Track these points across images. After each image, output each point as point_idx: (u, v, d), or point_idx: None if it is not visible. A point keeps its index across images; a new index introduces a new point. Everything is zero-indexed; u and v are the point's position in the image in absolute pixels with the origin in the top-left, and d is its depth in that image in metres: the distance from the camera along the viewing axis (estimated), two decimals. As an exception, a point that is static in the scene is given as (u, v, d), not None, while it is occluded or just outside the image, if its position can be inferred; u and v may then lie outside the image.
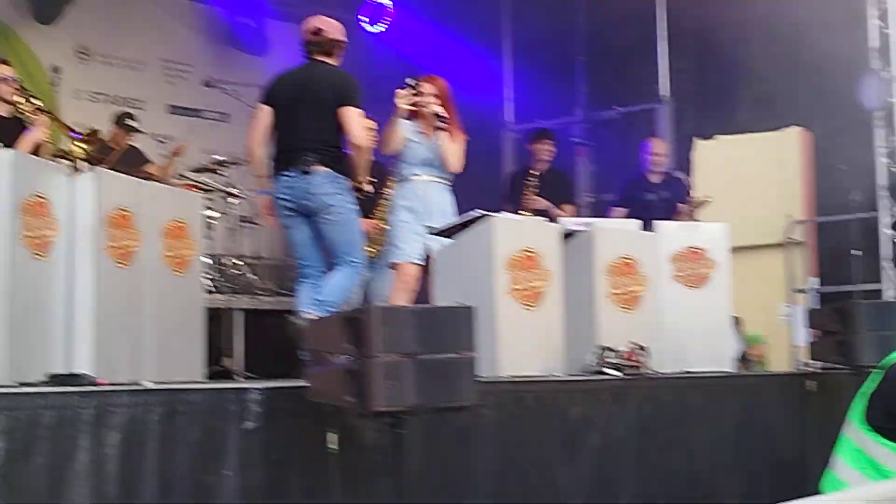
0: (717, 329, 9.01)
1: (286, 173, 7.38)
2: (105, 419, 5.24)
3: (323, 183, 7.28)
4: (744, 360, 10.28)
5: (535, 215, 9.66)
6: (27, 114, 7.69)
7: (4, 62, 8.05)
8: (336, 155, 7.40)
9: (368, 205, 8.92)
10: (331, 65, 7.59)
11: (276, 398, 5.92)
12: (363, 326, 5.49)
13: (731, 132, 11.49)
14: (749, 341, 10.64)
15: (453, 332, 5.87)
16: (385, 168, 9.15)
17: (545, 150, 10.57)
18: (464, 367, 5.87)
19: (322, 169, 7.26)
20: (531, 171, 10.47)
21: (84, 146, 7.89)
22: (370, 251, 8.89)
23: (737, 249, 9.31)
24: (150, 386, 5.84)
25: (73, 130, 8.01)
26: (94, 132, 8.17)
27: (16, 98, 7.67)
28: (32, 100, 7.77)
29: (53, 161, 7.75)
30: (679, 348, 8.69)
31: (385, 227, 8.89)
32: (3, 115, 7.69)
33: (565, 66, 12.73)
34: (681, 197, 10.49)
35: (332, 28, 7.51)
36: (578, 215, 10.93)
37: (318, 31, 7.46)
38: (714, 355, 8.86)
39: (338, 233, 7.41)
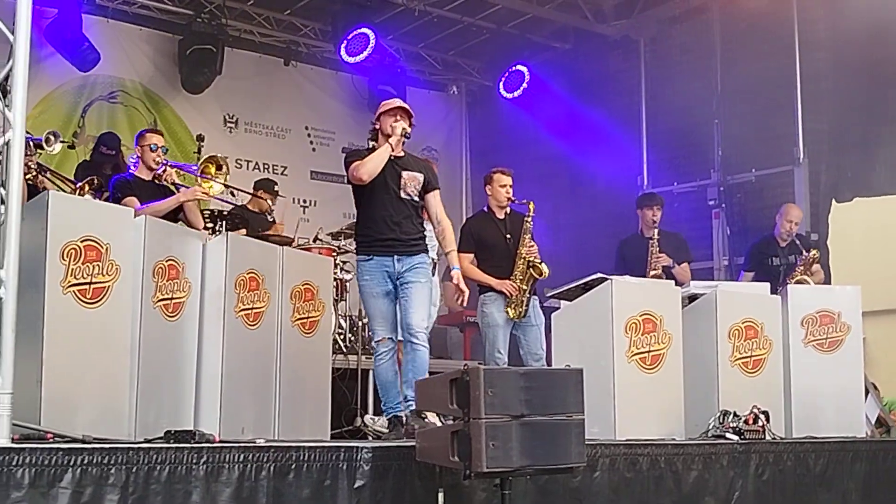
0: (851, 394, 8.86)
1: None
2: (217, 474, 5.45)
3: None
4: (881, 425, 10.03)
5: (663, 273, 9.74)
6: (158, 175, 8.12)
7: (157, 132, 8.52)
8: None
9: (508, 261, 9.10)
10: None
11: (385, 457, 6.06)
12: (468, 388, 5.61)
13: (869, 194, 11.33)
14: (889, 406, 10.40)
15: (562, 394, 5.96)
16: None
17: (653, 217, 10.57)
18: (572, 429, 5.95)
19: None
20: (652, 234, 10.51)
21: (215, 178, 8.30)
22: (511, 312, 9.05)
23: (874, 313, 9.17)
24: (262, 443, 6.04)
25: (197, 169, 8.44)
26: (210, 158, 8.54)
27: (155, 164, 8.09)
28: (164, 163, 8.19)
29: (205, 221, 8.19)
30: (809, 413, 8.61)
31: (524, 287, 9.04)
32: (145, 178, 8.09)
33: (701, 129, 12.69)
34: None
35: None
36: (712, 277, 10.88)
37: None
38: (847, 421, 8.72)
39: None
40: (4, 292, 5.20)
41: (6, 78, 5.46)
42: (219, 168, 8.48)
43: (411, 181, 7.70)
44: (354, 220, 8.03)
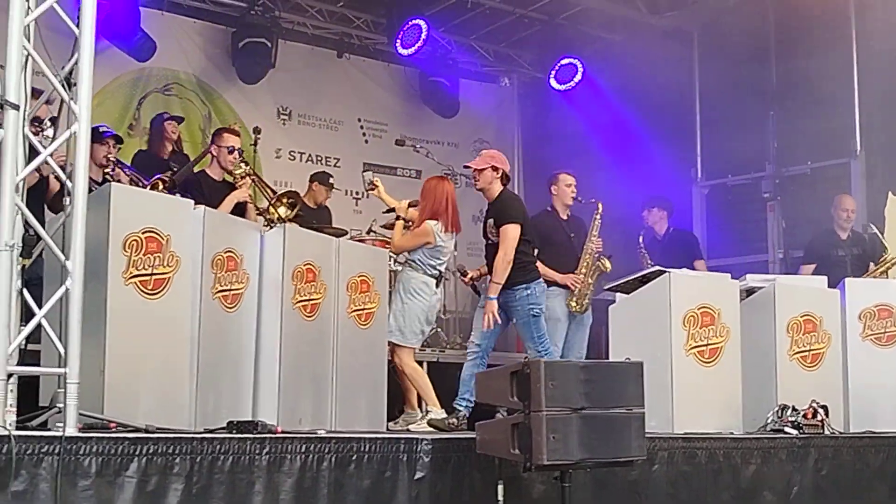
0: (909, 389, 8.77)
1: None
2: (279, 465, 5.49)
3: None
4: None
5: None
6: (236, 178, 8.17)
7: (235, 133, 8.59)
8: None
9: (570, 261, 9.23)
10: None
11: (445, 449, 6.08)
12: (529, 380, 5.62)
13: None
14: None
15: (622, 387, 5.97)
16: (586, 224, 9.37)
17: (650, 217, 10.61)
18: (632, 423, 5.95)
19: None
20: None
21: (285, 209, 8.35)
22: (574, 305, 9.12)
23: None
24: (323, 434, 6.07)
25: (272, 191, 8.48)
26: (292, 194, 8.61)
27: (232, 167, 8.16)
28: (244, 166, 8.26)
29: (258, 218, 8.24)
30: (866, 408, 8.55)
31: (589, 280, 9.19)
32: (215, 178, 8.15)
33: (755, 120, 12.60)
34: (872, 253, 10.25)
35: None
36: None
37: None
38: (905, 415, 8.64)
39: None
40: (71, 283, 5.25)
41: (70, 71, 5.52)
42: (291, 207, 8.50)
43: (489, 227, 8.42)
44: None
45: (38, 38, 5.47)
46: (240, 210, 8.08)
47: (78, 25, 5.47)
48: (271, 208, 8.39)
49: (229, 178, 8.27)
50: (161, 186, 8.03)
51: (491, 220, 8.33)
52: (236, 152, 8.20)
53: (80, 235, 5.31)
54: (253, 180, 8.34)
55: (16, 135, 5.24)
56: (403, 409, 8.94)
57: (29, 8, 5.36)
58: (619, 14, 13.61)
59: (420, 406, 8.86)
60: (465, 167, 8.44)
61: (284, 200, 8.46)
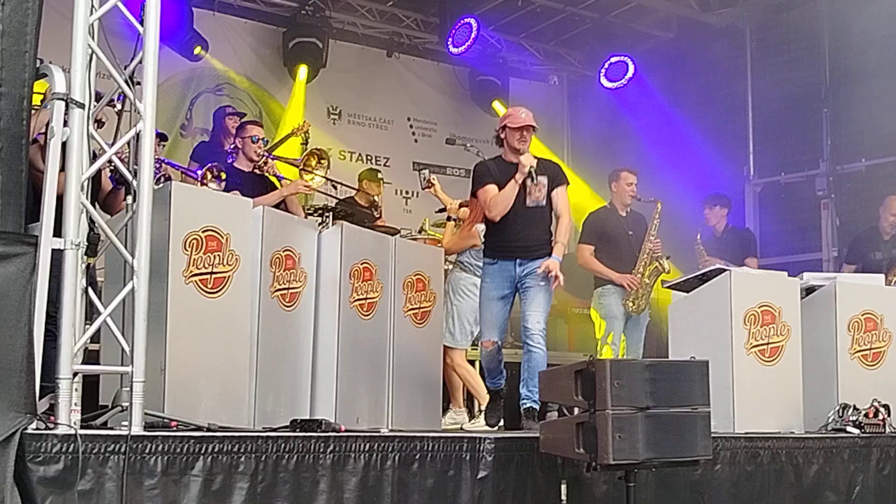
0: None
1: None
2: (343, 463, 5.48)
3: None
4: None
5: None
6: (266, 170, 8.15)
7: (258, 124, 8.55)
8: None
9: (629, 259, 9.16)
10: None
11: (508, 448, 6.05)
12: (594, 379, 5.57)
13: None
14: None
15: (687, 386, 5.90)
16: (647, 221, 9.30)
17: (712, 216, 10.51)
18: (697, 422, 5.89)
19: None
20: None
21: (322, 170, 8.35)
22: (631, 305, 9.06)
23: None
24: (387, 433, 6.05)
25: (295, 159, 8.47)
26: (313, 151, 8.58)
27: (256, 157, 8.11)
28: (260, 151, 8.18)
29: (307, 215, 8.21)
30: (927, 407, 8.42)
31: (646, 281, 9.11)
32: (244, 169, 8.11)
33: (809, 118, 12.49)
34: None
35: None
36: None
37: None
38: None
39: None
40: (136, 281, 5.24)
41: (133, 70, 5.52)
42: (320, 161, 8.49)
43: (537, 188, 7.48)
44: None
45: (103, 37, 5.47)
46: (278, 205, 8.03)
47: (142, 23, 5.47)
48: (303, 173, 8.37)
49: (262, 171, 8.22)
50: (210, 176, 7.98)
51: (544, 178, 7.46)
52: (260, 142, 8.16)
53: (145, 234, 5.30)
54: (271, 158, 8.30)
55: (81, 134, 5.23)
56: (449, 408, 8.95)
57: (93, 6, 5.36)
58: (671, 11, 13.57)
59: (471, 405, 8.87)
60: (530, 126, 7.44)
61: (312, 163, 8.44)
